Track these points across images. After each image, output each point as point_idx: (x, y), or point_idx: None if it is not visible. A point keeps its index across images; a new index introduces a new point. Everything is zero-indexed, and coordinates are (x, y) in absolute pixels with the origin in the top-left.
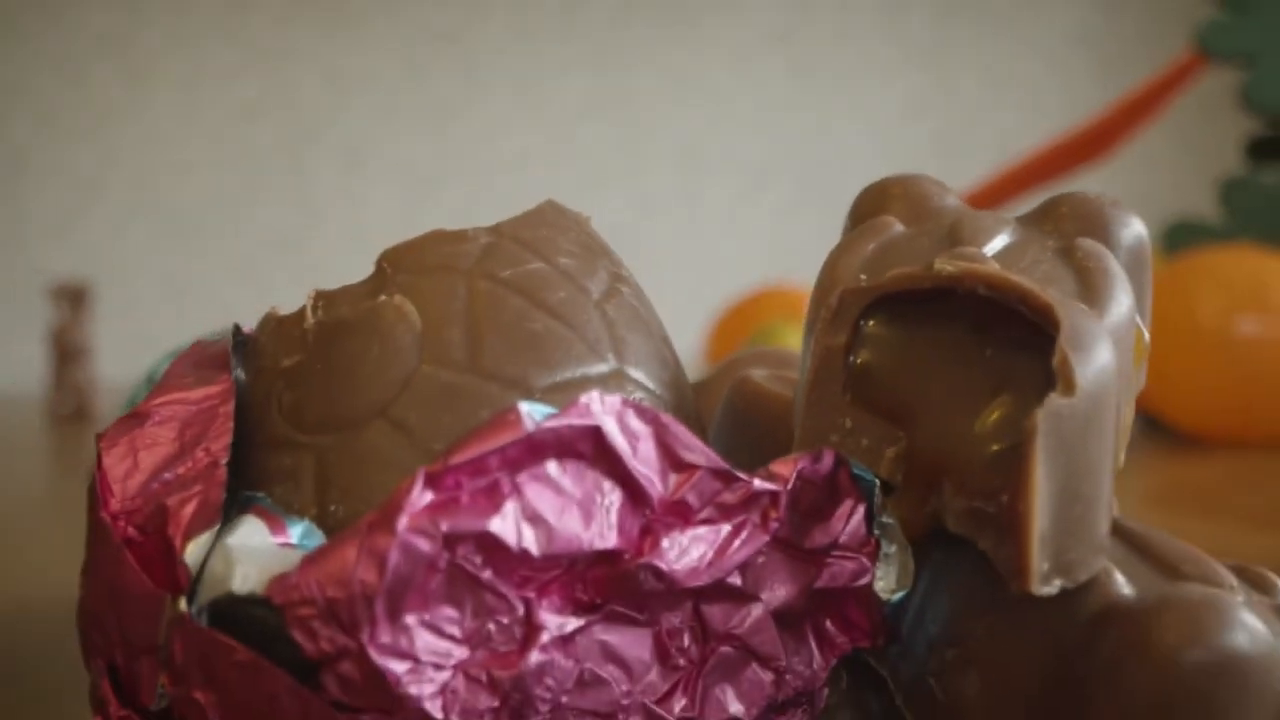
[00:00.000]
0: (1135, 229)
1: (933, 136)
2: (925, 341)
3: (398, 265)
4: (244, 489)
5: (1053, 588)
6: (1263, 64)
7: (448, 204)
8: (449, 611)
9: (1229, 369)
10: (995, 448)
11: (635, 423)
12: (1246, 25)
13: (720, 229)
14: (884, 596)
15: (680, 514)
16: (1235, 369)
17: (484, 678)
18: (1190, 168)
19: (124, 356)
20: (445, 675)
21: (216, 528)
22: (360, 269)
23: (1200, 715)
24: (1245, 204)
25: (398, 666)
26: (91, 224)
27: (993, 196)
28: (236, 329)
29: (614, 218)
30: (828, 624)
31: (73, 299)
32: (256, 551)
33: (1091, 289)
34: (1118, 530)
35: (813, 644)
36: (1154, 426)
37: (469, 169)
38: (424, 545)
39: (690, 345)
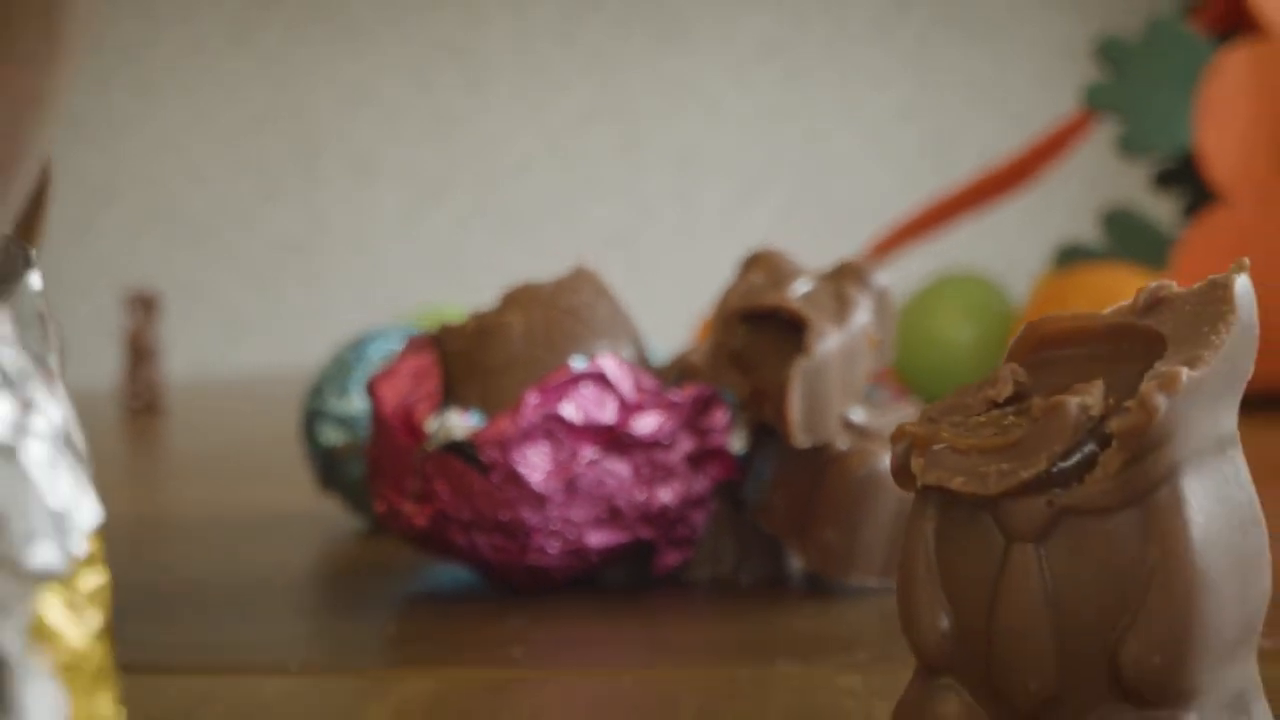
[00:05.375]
0: (882, 282)
1: (921, 142)
2: (764, 336)
3: (510, 300)
4: (447, 401)
5: (806, 442)
6: (1135, 117)
7: (452, 210)
8: (543, 446)
9: None
10: (785, 384)
11: (620, 370)
12: (1122, 86)
13: (716, 233)
14: (735, 451)
15: (639, 409)
16: None
17: (558, 475)
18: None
19: None
20: (541, 474)
21: (440, 415)
22: (366, 273)
23: (862, 500)
24: (1121, 231)
25: (523, 468)
26: (105, 230)
27: (927, 223)
28: (427, 332)
29: (613, 222)
30: (711, 464)
31: (145, 305)
32: (459, 425)
33: (843, 311)
34: (853, 427)
35: (703, 474)
36: None
37: (473, 176)
38: (534, 418)
39: (682, 342)
